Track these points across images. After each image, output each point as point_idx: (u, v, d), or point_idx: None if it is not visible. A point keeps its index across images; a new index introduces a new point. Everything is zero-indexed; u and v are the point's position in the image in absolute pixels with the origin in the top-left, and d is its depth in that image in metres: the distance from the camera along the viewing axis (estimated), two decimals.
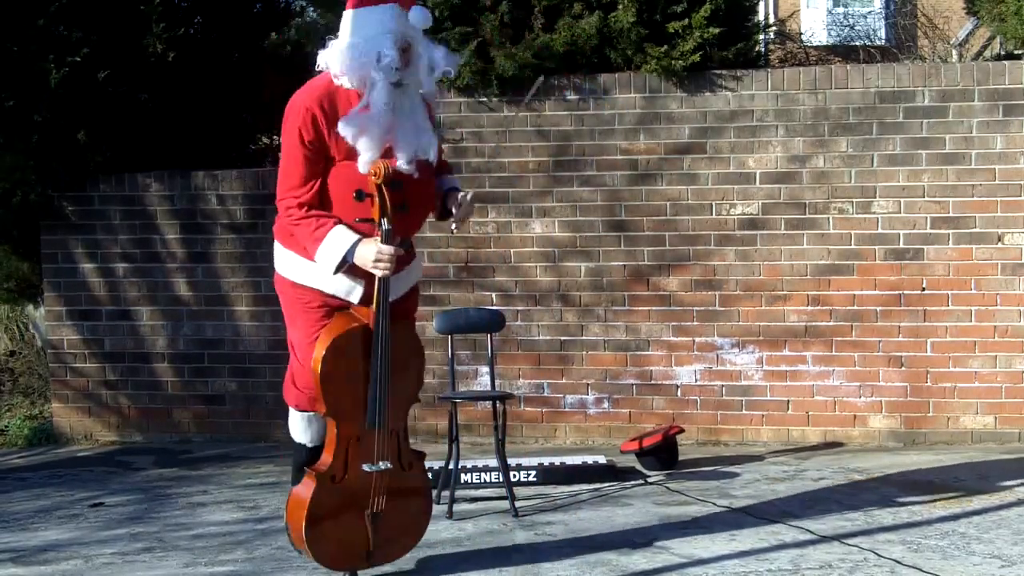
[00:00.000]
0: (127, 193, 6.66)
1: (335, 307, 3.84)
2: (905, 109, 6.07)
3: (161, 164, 6.75)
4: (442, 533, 4.54)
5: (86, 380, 6.75)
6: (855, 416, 6.17)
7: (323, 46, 3.79)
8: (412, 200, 3.72)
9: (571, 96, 6.29)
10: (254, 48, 7.40)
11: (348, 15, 3.78)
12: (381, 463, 3.76)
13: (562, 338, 6.34)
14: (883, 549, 4.14)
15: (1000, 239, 6.04)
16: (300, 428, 4.13)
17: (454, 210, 3.86)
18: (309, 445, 4.08)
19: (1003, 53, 7.54)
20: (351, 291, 3.81)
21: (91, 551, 4.51)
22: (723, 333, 6.24)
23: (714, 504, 4.90)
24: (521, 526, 4.61)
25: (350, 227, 3.69)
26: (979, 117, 6.03)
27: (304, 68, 7.91)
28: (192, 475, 5.89)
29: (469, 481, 5.19)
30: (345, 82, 3.69)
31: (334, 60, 3.71)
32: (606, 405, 6.35)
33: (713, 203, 6.22)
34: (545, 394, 6.38)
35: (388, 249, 3.65)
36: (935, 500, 4.86)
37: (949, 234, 6.06)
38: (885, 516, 4.62)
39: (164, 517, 5.03)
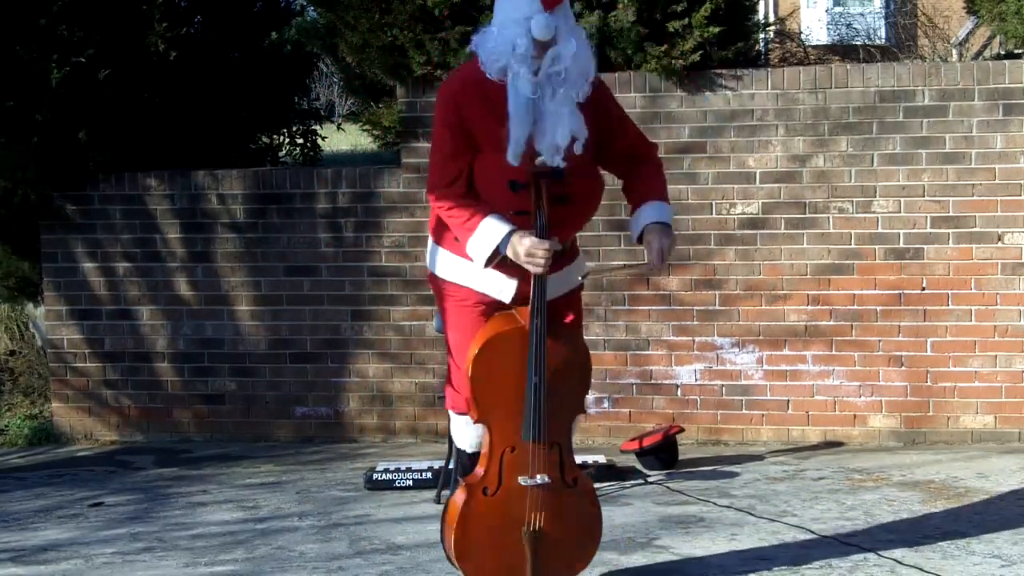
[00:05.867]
0: (127, 192, 6.66)
1: (490, 303, 3.62)
2: (905, 108, 6.07)
3: (162, 163, 6.74)
4: None
5: (86, 380, 6.75)
6: (855, 416, 6.17)
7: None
8: (574, 193, 3.49)
9: None
10: (254, 47, 7.40)
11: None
12: (539, 477, 3.48)
13: None
14: (883, 549, 4.14)
15: (1000, 239, 6.04)
16: (459, 432, 3.86)
17: (647, 258, 3.62)
18: (469, 451, 3.82)
19: (1003, 53, 7.53)
20: (502, 289, 3.59)
21: (91, 551, 4.52)
22: (723, 333, 6.24)
23: (714, 504, 4.90)
24: None
25: (503, 217, 3.46)
26: (979, 117, 6.02)
27: (305, 68, 8.00)
28: (192, 475, 5.89)
29: None
30: (490, 71, 3.47)
31: (479, 48, 3.49)
32: (606, 405, 6.35)
33: (713, 203, 6.22)
34: None
35: (544, 243, 3.38)
36: (935, 500, 4.86)
37: (949, 234, 6.06)
38: (885, 516, 4.62)
39: (164, 517, 5.03)
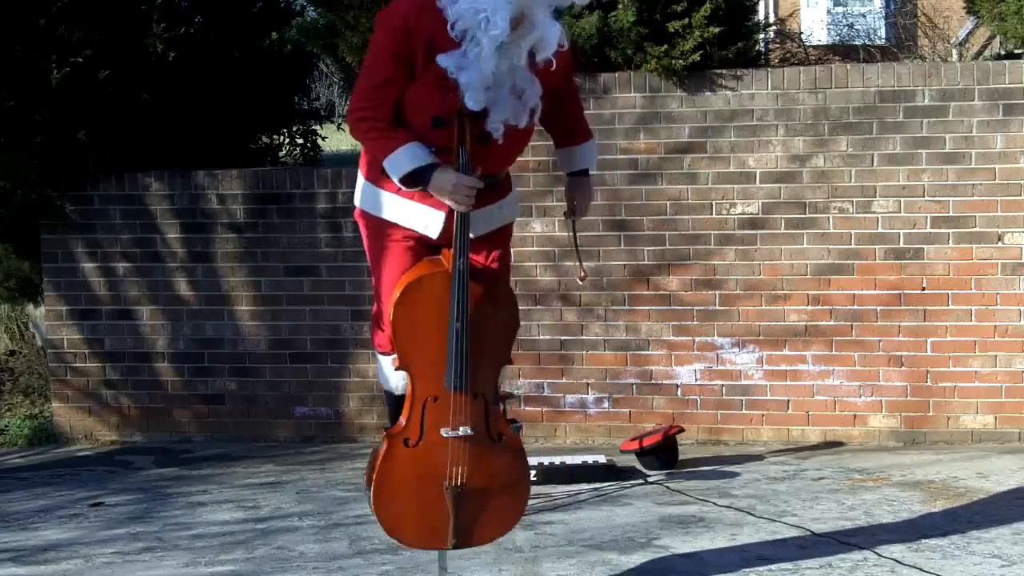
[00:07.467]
0: (127, 192, 6.66)
1: (418, 239, 3.51)
2: (905, 109, 6.07)
3: (162, 163, 6.75)
4: None
5: (86, 380, 6.75)
6: (855, 416, 6.17)
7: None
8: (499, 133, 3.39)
9: None
10: (254, 48, 7.40)
11: None
12: (461, 429, 3.35)
13: (562, 338, 6.34)
14: (883, 549, 4.14)
15: (1000, 239, 6.04)
16: (386, 372, 3.72)
17: (570, 213, 3.75)
18: (396, 393, 3.65)
19: (1003, 53, 7.54)
20: (428, 224, 3.48)
21: (91, 551, 4.52)
22: (723, 333, 6.24)
23: (714, 504, 4.90)
24: (521, 526, 4.58)
25: (427, 149, 3.38)
26: (979, 117, 6.02)
27: (305, 68, 7.99)
28: (192, 475, 5.89)
29: None
30: (450, 25, 3.30)
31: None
32: (606, 405, 6.35)
33: (713, 202, 6.22)
34: (545, 394, 6.38)
35: (468, 180, 3.32)
36: (935, 500, 4.86)
37: (949, 233, 6.06)
38: (885, 516, 4.62)
39: (164, 517, 5.03)
